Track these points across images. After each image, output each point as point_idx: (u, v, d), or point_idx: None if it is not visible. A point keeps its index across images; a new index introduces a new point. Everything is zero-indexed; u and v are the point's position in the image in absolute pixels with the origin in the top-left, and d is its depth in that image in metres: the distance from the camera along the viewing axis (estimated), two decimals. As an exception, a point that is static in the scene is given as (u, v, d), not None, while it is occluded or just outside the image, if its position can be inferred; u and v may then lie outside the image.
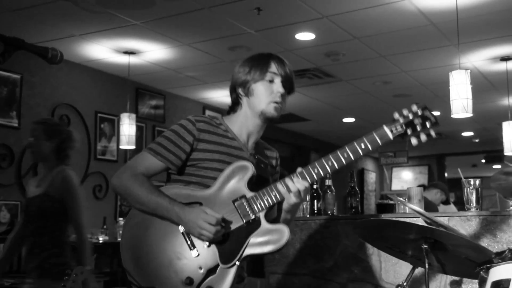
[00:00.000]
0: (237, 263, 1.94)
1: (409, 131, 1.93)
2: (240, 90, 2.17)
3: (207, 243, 1.96)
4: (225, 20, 5.26)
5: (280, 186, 2.00)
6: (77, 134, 3.40)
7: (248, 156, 2.14)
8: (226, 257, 1.94)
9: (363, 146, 1.94)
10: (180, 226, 1.98)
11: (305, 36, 5.70)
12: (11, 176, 5.76)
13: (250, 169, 2.03)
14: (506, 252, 1.91)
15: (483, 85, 7.45)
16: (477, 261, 2.01)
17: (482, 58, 6.46)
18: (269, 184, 2.05)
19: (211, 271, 1.94)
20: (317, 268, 3.36)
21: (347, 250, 3.30)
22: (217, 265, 1.94)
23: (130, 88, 6.95)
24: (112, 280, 5.38)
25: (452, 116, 4.87)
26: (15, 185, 5.77)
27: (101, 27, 5.46)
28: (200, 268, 1.94)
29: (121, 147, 6.45)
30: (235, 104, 2.21)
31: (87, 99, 6.69)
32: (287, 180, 1.99)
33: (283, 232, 1.96)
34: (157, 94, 7.64)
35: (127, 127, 6.23)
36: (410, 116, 1.93)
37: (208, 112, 8.25)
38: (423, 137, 1.93)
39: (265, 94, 2.13)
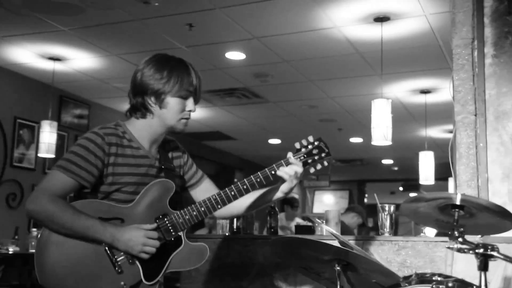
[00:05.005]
0: (160, 279, 2.00)
1: (309, 160, 2.12)
2: (152, 99, 2.06)
3: (129, 260, 1.94)
4: (157, 33, 5.23)
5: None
6: None
7: (153, 162, 2.11)
8: (149, 274, 1.96)
9: (273, 172, 2.11)
10: (103, 244, 1.92)
11: (235, 55, 5.75)
12: None
13: (172, 189, 2.05)
14: (413, 276, 1.98)
15: (403, 116, 7.75)
16: (385, 286, 2.07)
17: (404, 90, 6.73)
18: (177, 192, 2.09)
19: (133, 287, 1.94)
20: (233, 287, 3.36)
21: (263, 270, 3.32)
22: (140, 282, 1.95)
23: (54, 95, 6.74)
24: (21, 293, 5.16)
25: (373, 143, 5.01)
26: None
27: (26, 31, 5.28)
28: (124, 285, 1.93)
29: (40, 155, 6.23)
30: (139, 109, 2.09)
31: (6, 104, 6.43)
32: (284, 168, 2.09)
33: (203, 251, 2.05)
34: (81, 103, 7.46)
35: (48, 135, 6.03)
36: (310, 146, 2.14)
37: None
38: (318, 166, 2.15)
39: (178, 111, 2.09)
